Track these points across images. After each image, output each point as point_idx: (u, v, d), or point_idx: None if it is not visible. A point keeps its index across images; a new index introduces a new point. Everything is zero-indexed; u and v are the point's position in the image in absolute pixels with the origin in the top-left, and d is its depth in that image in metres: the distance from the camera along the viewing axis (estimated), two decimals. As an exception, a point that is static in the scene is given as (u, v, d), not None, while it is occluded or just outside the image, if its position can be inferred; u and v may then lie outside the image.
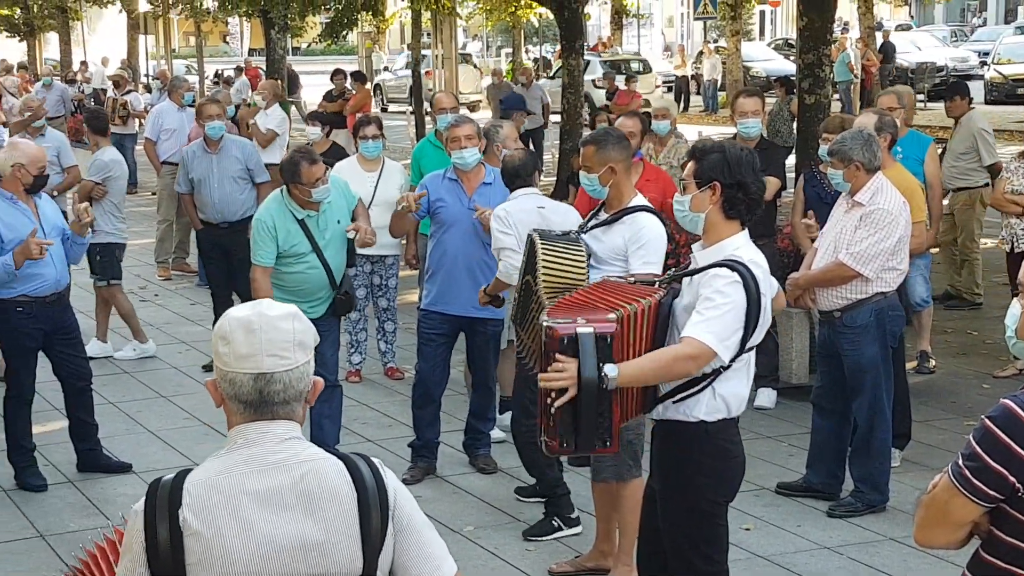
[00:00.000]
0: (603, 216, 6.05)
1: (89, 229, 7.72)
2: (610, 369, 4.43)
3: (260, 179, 10.50)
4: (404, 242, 9.98)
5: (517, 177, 6.97)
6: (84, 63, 36.48)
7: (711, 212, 4.68)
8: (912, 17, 57.47)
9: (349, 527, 2.77)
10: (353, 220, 7.65)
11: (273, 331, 2.77)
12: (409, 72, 35.87)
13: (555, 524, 6.82)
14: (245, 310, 2.82)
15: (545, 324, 4.59)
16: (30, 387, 7.69)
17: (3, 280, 7.28)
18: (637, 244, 5.83)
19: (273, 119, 14.19)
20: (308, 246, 7.36)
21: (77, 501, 7.46)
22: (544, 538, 6.80)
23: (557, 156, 18.78)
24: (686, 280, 4.75)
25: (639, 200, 6.03)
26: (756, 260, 4.66)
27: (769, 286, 4.74)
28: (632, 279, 5.04)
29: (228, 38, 67.26)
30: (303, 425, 2.88)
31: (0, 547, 6.80)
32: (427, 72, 40.14)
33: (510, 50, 48.57)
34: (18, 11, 43.78)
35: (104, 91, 29.47)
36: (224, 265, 10.26)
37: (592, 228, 6.00)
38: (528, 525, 6.94)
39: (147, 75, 34.22)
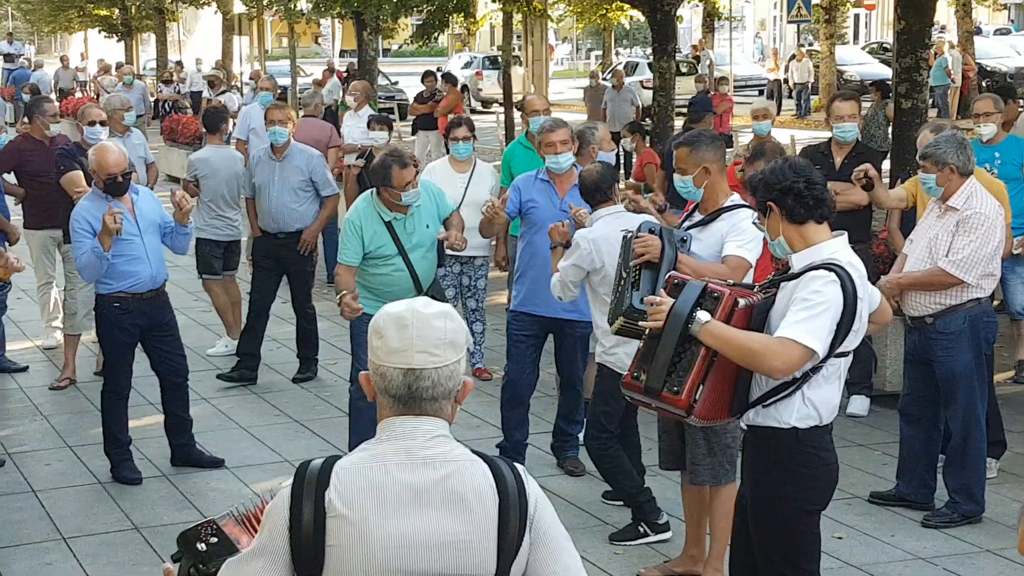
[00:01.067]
0: (698, 217, 6.03)
1: (190, 219, 7.80)
2: (702, 314, 4.56)
3: (326, 192, 9.98)
4: (494, 243, 10.01)
5: (597, 191, 6.78)
6: (179, 63, 37.04)
7: (785, 229, 4.72)
8: (1012, 22, 56.42)
9: (488, 530, 2.81)
10: (447, 227, 7.66)
11: (425, 328, 2.82)
12: (471, 73, 36.03)
13: (641, 530, 6.79)
14: (400, 306, 2.88)
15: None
16: (127, 382, 7.82)
17: (99, 266, 7.40)
18: (735, 232, 5.85)
19: (363, 120, 14.27)
20: (394, 248, 7.37)
21: (171, 495, 7.57)
22: (631, 543, 6.78)
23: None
24: (782, 287, 4.72)
25: (735, 199, 6.00)
26: (853, 263, 4.65)
27: (866, 291, 4.70)
28: (731, 282, 5.02)
29: (320, 40, 67.88)
30: (451, 424, 2.91)
31: (97, 538, 6.93)
32: (477, 73, 40.20)
33: (600, 52, 48.49)
34: (116, 12, 44.66)
35: (200, 92, 29.91)
36: (274, 276, 9.98)
37: (687, 229, 5.98)
38: (616, 529, 6.92)
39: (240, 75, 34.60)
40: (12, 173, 10.32)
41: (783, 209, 4.68)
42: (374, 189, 7.42)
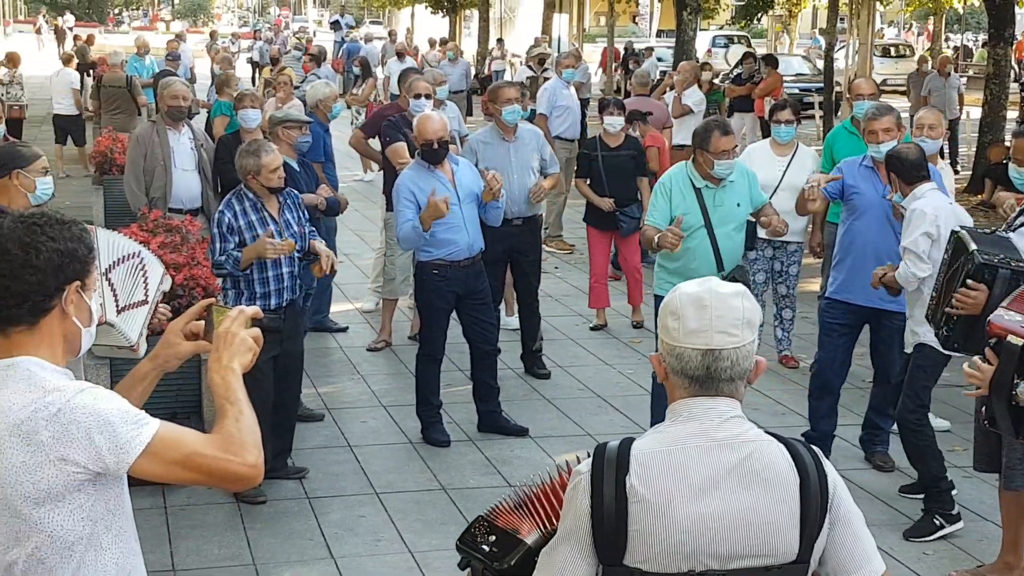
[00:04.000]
0: (1033, 212, 5.72)
1: (502, 194, 7.97)
2: None
3: (553, 169, 9.50)
4: (809, 229, 9.78)
5: (920, 168, 6.64)
6: (500, 40, 37.83)
7: None
8: None
9: (791, 511, 2.76)
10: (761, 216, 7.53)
11: (723, 308, 2.79)
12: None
13: (937, 523, 6.59)
14: (695, 286, 2.85)
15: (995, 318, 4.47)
16: (441, 347, 8.06)
17: (416, 241, 7.68)
18: None
19: (691, 98, 14.23)
20: (700, 219, 7.24)
21: (477, 459, 7.78)
22: (928, 539, 6.55)
23: (974, 149, 17.88)
24: None
25: None
26: None
27: None
28: None
29: (637, 19, 67.95)
30: (742, 404, 2.87)
31: (407, 495, 7.20)
32: (708, 51, 39.22)
33: (923, 36, 46.57)
34: (443, -12, 46.08)
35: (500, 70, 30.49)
36: (502, 268, 9.34)
37: (1020, 227, 5.67)
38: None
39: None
40: (376, 138, 10.76)
41: None
42: (691, 157, 7.37)
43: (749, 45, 38.18)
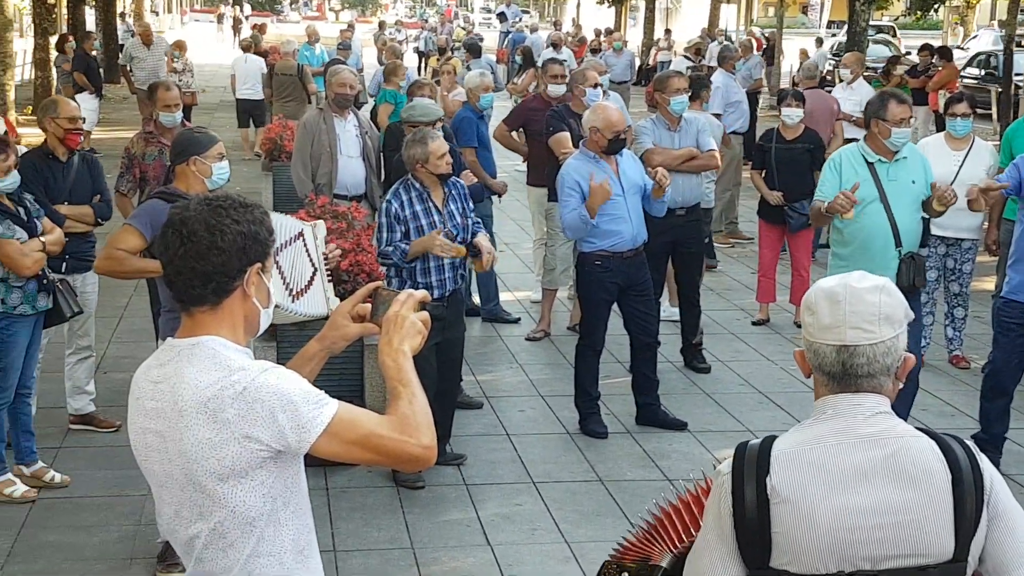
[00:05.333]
0: None
1: (666, 191, 7.91)
2: None
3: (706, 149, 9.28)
4: (985, 226, 9.47)
5: None
6: (668, 31, 37.56)
7: None
8: None
9: (943, 509, 2.67)
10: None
11: (858, 303, 2.72)
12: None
13: None
14: (833, 281, 2.79)
15: None
16: (601, 338, 8.03)
17: (582, 228, 7.66)
18: None
19: (858, 92, 13.90)
20: (875, 193, 7.03)
21: (634, 452, 7.72)
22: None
23: None
24: None
25: None
26: None
27: None
28: None
29: (808, 10, 66.78)
30: (892, 400, 2.79)
31: (563, 486, 7.19)
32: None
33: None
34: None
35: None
36: (664, 259, 9.25)
37: None
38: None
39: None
40: (520, 131, 10.83)
41: None
42: (863, 136, 7.20)
43: (894, 35, 37.06)
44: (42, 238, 6.72)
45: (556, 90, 10.24)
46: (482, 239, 7.33)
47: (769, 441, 2.76)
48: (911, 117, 7.12)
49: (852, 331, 2.71)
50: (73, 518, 6.61)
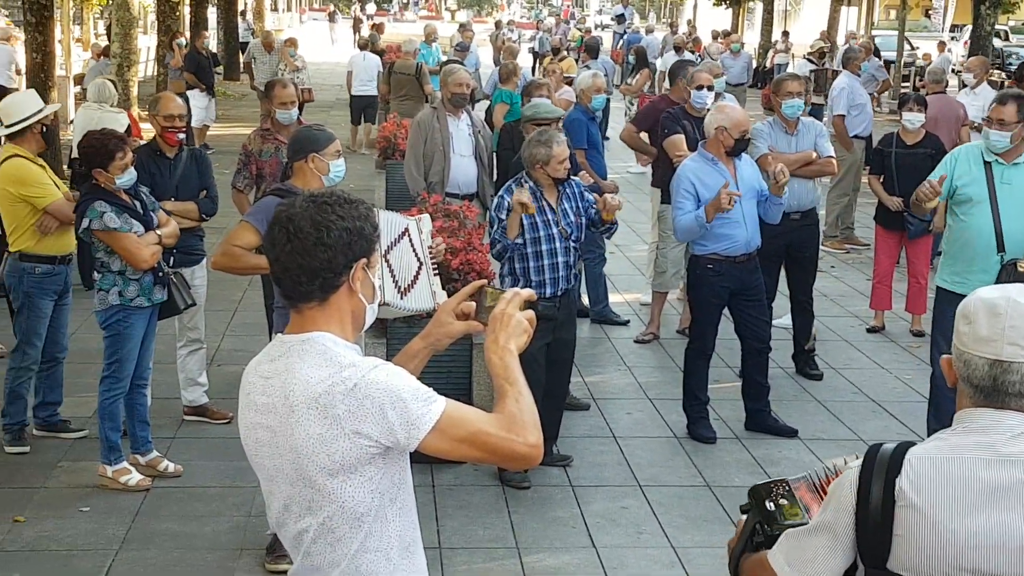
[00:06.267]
0: None
1: (784, 191, 7.80)
2: None
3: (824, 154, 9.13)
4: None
5: None
6: (786, 33, 37.12)
7: None
8: None
9: None
10: None
11: (1019, 318, 2.62)
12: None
13: None
14: (995, 291, 2.69)
15: None
16: (711, 342, 7.96)
17: (696, 231, 7.60)
18: None
19: (982, 97, 13.60)
20: (984, 193, 6.88)
21: (743, 458, 7.64)
22: None
23: None
24: None
25: None
26: None
27: None
28: None
29: (931, 13, 65.55)
30: None
31: (670, 489, 7.14)
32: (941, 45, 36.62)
33: None
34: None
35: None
36: (778, 264, 9.06)
37: None
38: None
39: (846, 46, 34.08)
40: (647, 133, 10.76)
41: None
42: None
43: (1006, 39, 36.06)
44: (157, 231, 6.85)
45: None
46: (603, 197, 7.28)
47: (905, 445, 2.70)
48: (1018, 122, 6.91)
49: (1010, 347, 2.61)
50: (185, 508, 6.73)
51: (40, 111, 7.47)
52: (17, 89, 12.50)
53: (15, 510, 6.62)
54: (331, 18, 65.78)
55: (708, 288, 7.78)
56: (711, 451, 7.75)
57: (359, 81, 20.70)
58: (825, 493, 3.07)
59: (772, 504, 3.05)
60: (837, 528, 2.70)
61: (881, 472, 2.65)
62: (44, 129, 7.50)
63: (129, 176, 6.73)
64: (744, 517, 3.11)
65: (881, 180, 10.57)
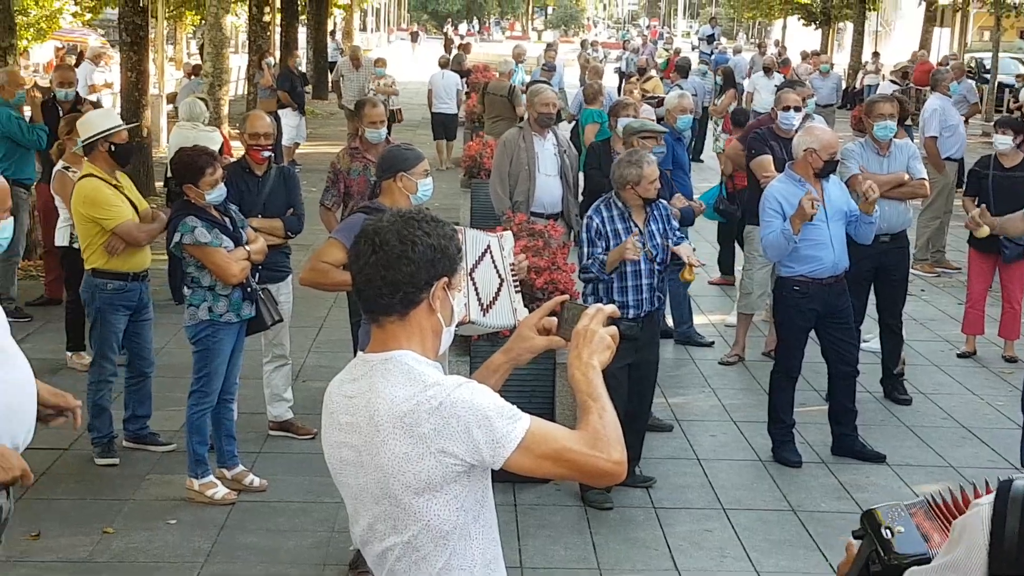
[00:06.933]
0: None
1: (875, 209, 7.70)
2: None
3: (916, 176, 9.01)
4: None
5: None
6: (876, 54, 36.72)
7: None
8: None
9: None
10: None
11: None
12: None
13: None
14: None
15: None
16: (798, 365, 7.87)
17: (784, 248, 7.51)
18: None
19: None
20: None
21: (829, 483, 7.53)
22: None
23: None
24: None
25: None
26: None
27: None
28: None
29: (1024, 34, 64.38)
30: None
31: (754, 513, 7.06)
32: None
33: None
34: (818, 0, 45.16)
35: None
36: (866, 286, 8.97)
37: None
38: None
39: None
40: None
41: None
42: None
43: None
44: (246, 247, 6.93)
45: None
46: (683, 248, 7.26)
47: None
48: None
49: None
50: (269, 522, 6.79)
51: (106, 129, 7.56)
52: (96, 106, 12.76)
53: (104, 521, 6.73)
54: (413, 38, 66.47)
55: (795, 310, 7.70)
56: (796, 475, 7.65)
57: (439, 99, 21.30)
58: (944, 518, 2.98)
59: (888, 532, 2.96)
60: (968, 569, 2.58)
61: (1016, 511, 2.53)
62: (112, 148, 7.56)
63: (219, 192, 6.82)
64: (854, 541, 3.03)
65: (975, 202, 10.38)
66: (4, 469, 4.00)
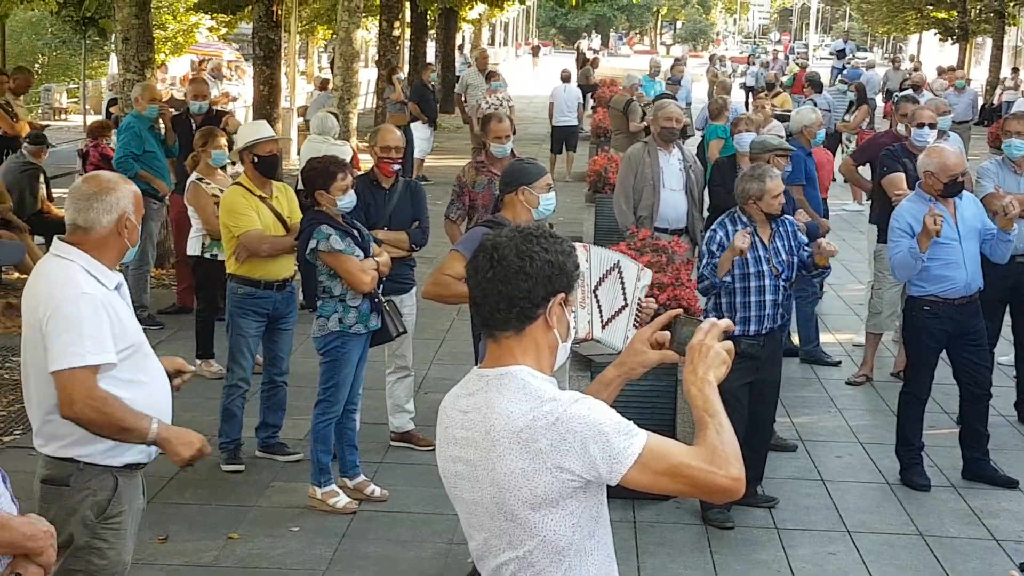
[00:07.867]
0: None
1: (1014, 226, 7.50)
2: None
3: None
4: None
5: None
6: (1016, 70, 35.81)
7: None
8: None
9: None
10: None
11: None
12: None
13: None
14: None
15: None
16: (927, 387, 7.69)
17: (912, 267, 7.35)
18: None
19: None
20: None
21: (959, 508, 7.34)
22: None
23: None
24: None
25: None
26: None
27: None
28: None
29: None
30: None
31: (880, 537, 6.90)
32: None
33: None
34: (955, 14, 44.23)
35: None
36: (1002, 307, 8.75)
37: None
38: None
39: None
40: (867, 165, 10.51)
41: None
42: None
43: None
44: (375, 259, 7.00)
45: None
46: (825, 241, 7.12)
47: None
48: None
49: None
50: (390, 532, 6.84)
51: (250, 141, 7.76)
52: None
53: (229, 527, 6.85)
54: (534, 52, 66.90)
55: (925, 331, 7.53)
56: (925, 499, 7.47)
57: (559, 112, 21.58)
58: None
59: None
60: None
61: None
62: (255, 159, 7.74)
63: (349, 199, 6.90)
64: (1017, 574, 2.95)
65: None
66: (186, 444, 4.22)
